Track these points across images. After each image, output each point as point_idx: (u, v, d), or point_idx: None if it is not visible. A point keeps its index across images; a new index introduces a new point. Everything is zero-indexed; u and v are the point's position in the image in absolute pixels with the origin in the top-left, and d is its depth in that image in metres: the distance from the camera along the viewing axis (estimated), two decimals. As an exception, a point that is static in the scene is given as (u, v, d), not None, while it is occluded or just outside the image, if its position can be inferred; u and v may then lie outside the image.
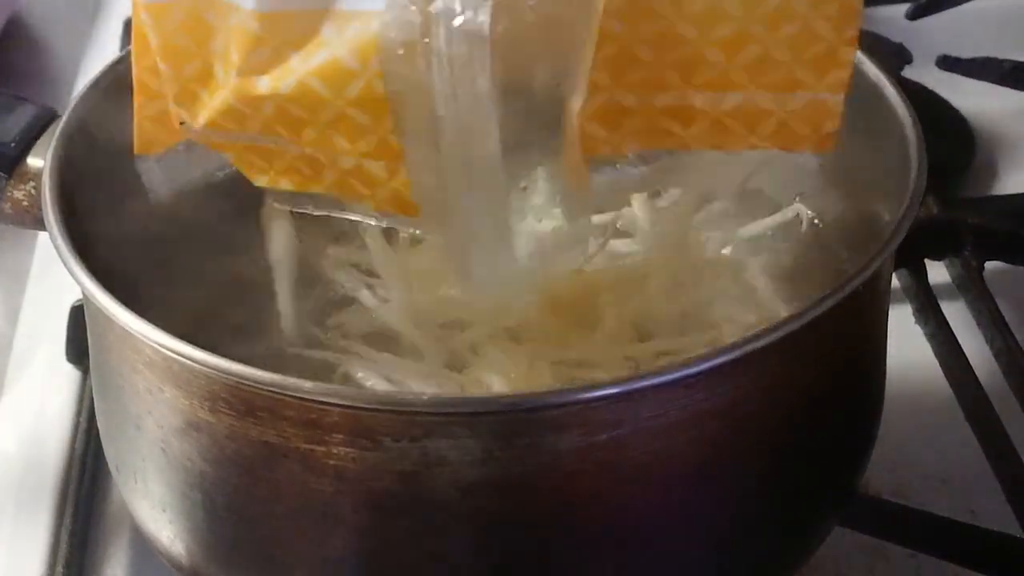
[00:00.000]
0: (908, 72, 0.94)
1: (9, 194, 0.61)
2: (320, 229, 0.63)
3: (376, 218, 0.54)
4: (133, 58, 0.55)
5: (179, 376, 0.51)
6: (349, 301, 0.62)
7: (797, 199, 0.68)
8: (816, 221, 0.66)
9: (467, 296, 0.58)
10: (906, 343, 0.72)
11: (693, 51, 0.49)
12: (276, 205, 0.57)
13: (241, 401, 0.49)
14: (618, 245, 0.62)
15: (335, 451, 0.49)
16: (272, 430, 0.49)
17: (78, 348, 0.75)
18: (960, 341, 0.73)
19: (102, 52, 1.07)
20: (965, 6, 1.02)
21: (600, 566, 0.51)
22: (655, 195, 0.63)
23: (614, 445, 0.48)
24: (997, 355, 0.73)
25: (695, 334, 0.59)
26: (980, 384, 0.70)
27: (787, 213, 0.67)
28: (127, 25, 1.07)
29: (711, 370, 0.48)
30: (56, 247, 0.53)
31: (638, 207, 0.63)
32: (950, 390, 0.72)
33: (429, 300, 0.60)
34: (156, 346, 0.50)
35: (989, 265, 0.78)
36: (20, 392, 0.77)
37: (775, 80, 0.50)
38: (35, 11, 1.16)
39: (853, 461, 0.60)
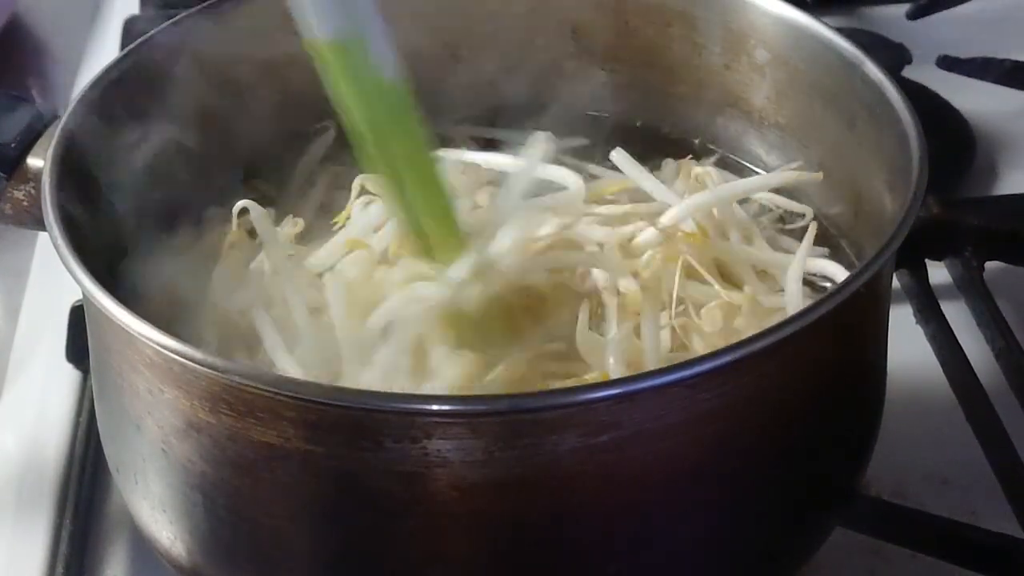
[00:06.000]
0: (908, 72, 0.94)
1: (9, 194, 0.61)
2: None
3: None
4: None
5: (180, 377, 0.50)
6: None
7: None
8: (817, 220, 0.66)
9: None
10: (906, 343, 0.71)
11: None
12: None
13: (241, 402, 0.49)
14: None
15: (335, 451, 0.49)
16: (272, 430, 0.49)
17: (78, 348, 0.75)
18: (960, 341, 0.73)
19: (102, 52, 1.06)
20: (965, 6, 1.02)
21: (600, 567, 0.51)
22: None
23: (614, 446, 0.48)
24: (997, 355, 0.73)
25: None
26: (980, 384, 0.70)
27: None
28: (127, 25, 1.07)
29: (712, 371, 0.48)
30: (56, 247, 0.53)
31: None
32: (950, 390, 0.72)
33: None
34: (157, 347, 0.50)
35: (989, 265, 0.78)
36: (20, 392, 0.77)
37: None
38: (35, 11, 1.16)
39: (853, 461, 0.60)
